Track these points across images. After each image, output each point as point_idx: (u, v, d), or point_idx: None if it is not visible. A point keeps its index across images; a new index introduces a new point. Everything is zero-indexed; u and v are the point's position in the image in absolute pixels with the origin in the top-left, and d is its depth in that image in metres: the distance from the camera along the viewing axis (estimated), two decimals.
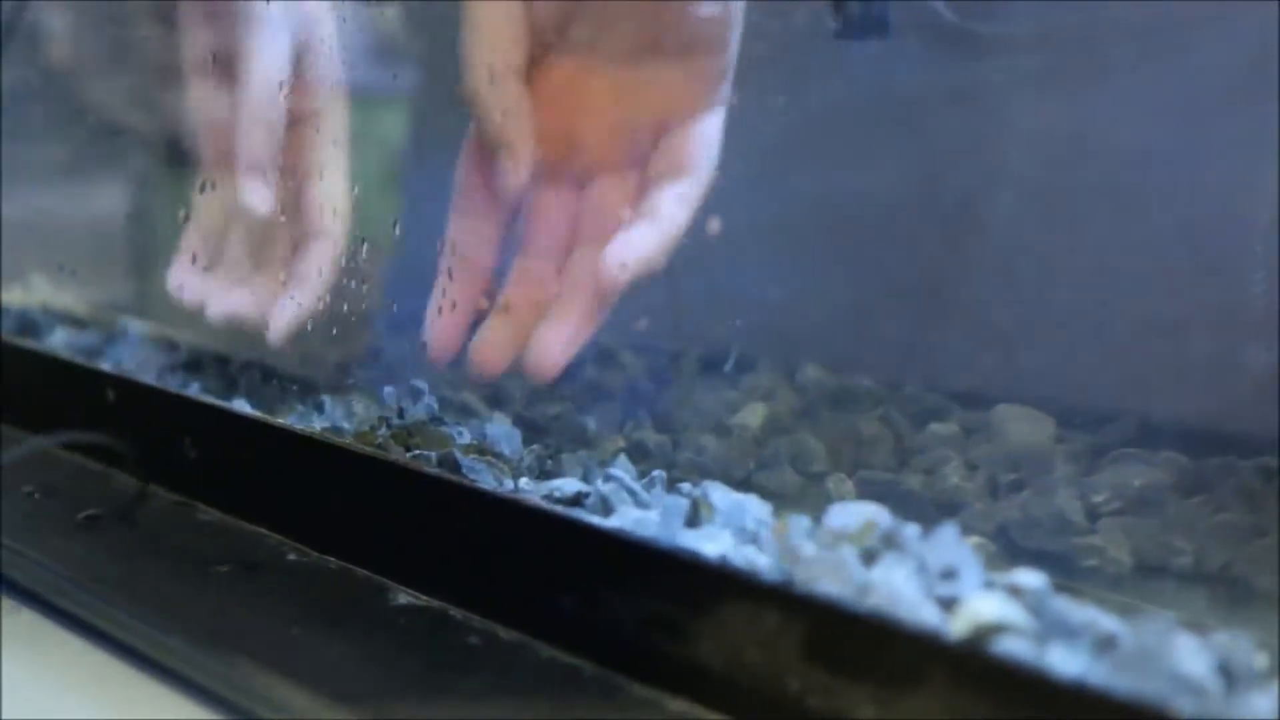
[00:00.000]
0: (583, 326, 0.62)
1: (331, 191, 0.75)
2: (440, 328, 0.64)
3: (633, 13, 0.62)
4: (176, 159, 0.95)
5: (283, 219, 0.75)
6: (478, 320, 0.64)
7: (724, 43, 0.62)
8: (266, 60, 0.74)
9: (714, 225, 0.75)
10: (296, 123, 0.75)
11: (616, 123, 0.63)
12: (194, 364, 0.84)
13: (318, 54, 0.76)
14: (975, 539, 0.59)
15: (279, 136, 0.74)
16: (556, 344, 0.61)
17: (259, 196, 0.73)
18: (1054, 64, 0.75)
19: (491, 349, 0.62)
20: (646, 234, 0.61)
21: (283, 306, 0.73)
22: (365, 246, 0.75)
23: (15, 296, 1.04)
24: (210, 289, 0.76)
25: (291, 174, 0.75)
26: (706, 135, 0.63)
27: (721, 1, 0.61)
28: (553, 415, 0.75)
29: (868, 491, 0.65)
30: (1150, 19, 0.71)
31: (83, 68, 0.98)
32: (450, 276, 0.64)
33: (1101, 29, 0.73)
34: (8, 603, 0.62)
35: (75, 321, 0.98)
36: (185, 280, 0.77)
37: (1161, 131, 0.71)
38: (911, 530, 0.50)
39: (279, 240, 0.77)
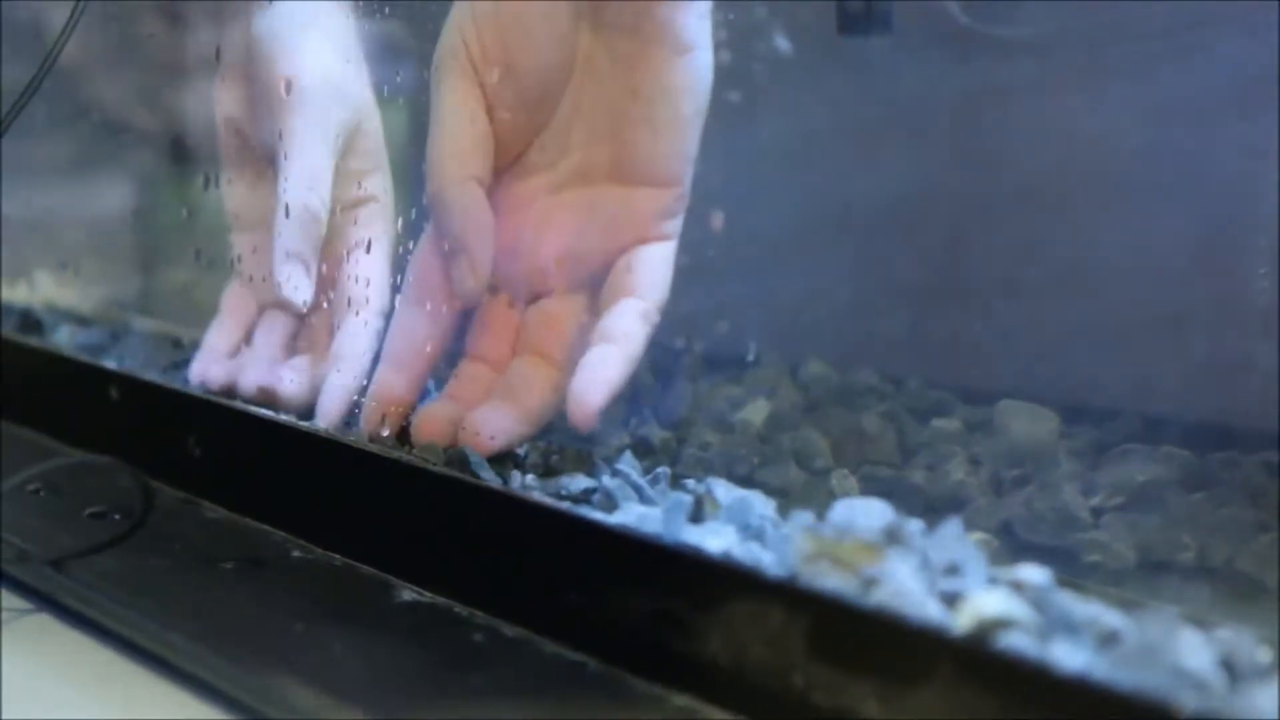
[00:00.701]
0: (517, 424, 0.63)
1: (372, 268, 0.74)
2: (376, 409, 0.65)
3: (592, 140, 0.64)
4: (180, 156, 0.95)
5: (324, 303, 0.75)
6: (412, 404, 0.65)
7: (680, 177, 0.64)
8: (310, 147, 0.73)
9: (717, 222, 0.75)
10: (341, 208, 0.75)
11: (567, 243, 0.65)
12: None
13: (366, 139, 0.76)
14: (979, 535, 0.59)
15: (322, 226, 0.73)
16: (490, 424, 0.62)
17: (298, 290, 0.72)
18: (1063, 66, 0.75)
19: (432, 424, 0.63)
20: (610, 358, 0.61)
21: (332, 389, 0.71)
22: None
23: (19, 294, 1.04)
24: (240, 367, 0.75)
25: (333, 257, 0.75)
26: (659, 263, 0.64)
27: (679, 138, 0.63)
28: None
29: (871, 488, 0.65)
30: (1157, 20, 0.71)
31: (86, 65, 0.98)
32: (389, 364, 0.65)
33: (1111, 30, 0.73)
34: (10, 600, 0.62)
35: (79, 319, 0.98)
36: (210, 368, 0.76)
37: (1166, 131, 0.71)
38: (915, 526, 0.50)
39: (318, 320, 0.76)
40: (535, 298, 0.66)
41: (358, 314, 0.73)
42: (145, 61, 0.98)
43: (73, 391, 0.82)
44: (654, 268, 0.64)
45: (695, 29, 0.62)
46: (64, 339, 0.93)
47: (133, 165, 1.03)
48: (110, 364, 0.82)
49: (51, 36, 0.75)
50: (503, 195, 0.65)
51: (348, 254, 0.75)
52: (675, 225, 0.65)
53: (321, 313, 0.76)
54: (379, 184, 0.76)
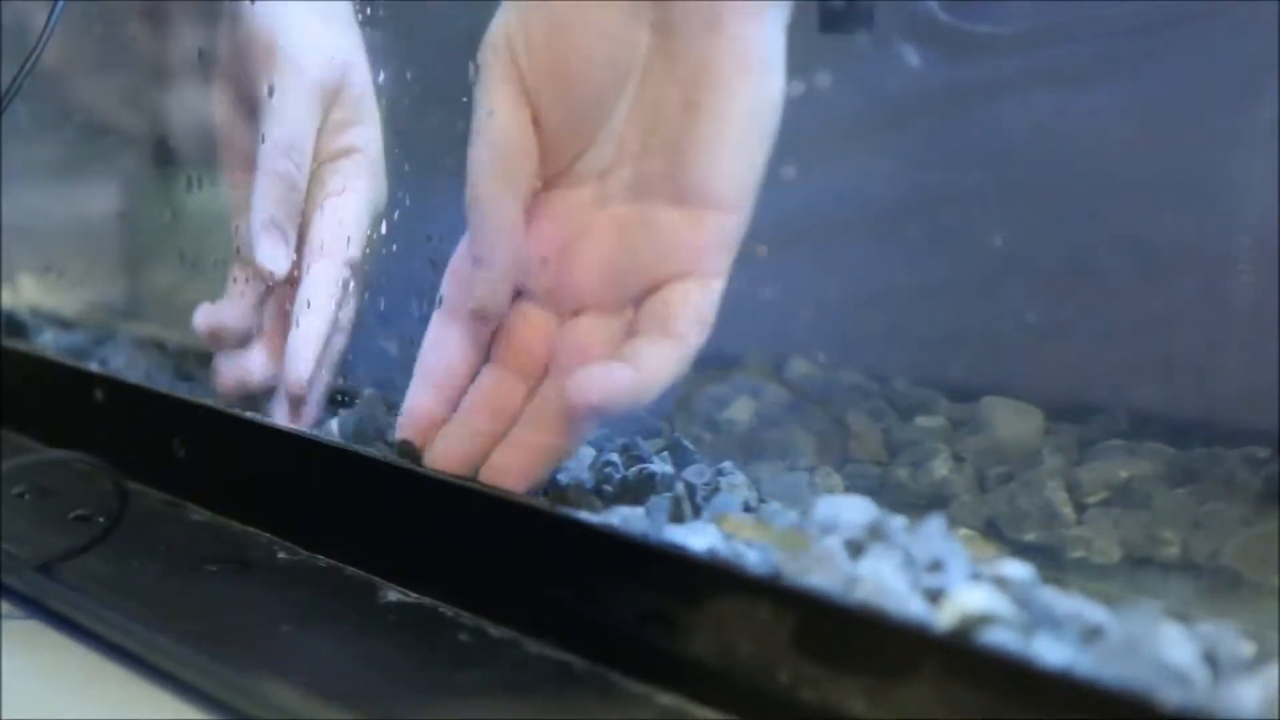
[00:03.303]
0: (543, 456, 0.59)
1: (348, 217, 0.74)
2: (408, 428, 0.62)
3: (645, 152, 0.59)
4: (164, 159, 0.95)
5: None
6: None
7: (737, 205, 0.58)
8: (290, 111, 0.73)
9: None
10: (321, 167, 0.74)
11: (610, 261, 0.60)
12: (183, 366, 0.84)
13: (352, 91, 0.75)
14: (963, 531, 0.60)
15: (300, 195, 0.72)
16: (513, 467, 0.59)
17: (275, 256, 0.72)
18: (1045, 62, 0.75)
19: (446, 454, 0.60)
20: (621, 376, 0.57)
21: (299, 337, 0.71)
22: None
23: (4, 297, 1.04)
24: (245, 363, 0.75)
25: (311, 206, 0.74)
26: (701, 301, 0.58)
27: (739, 163, 0.58)
28: None
29: (856, 485, 0.65)
30: (1138, 17, 0.71)
31: (69, 67, 0.98)
32: (422, 379, 0.62)
33: (1092, 27, 0.73)
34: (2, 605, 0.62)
35: (63, 322, 0.98)
36: (222, 363, 0.76)
37: (1149, 127, 0.72)
38: (898, 523, 0.50)
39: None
40: (574, 313, 0.61)
41: (329, 259, 0.73)
42: (128, 63, 0.98)
43: (57, 394, 0.82)
44: (691, 307, 0.58)
45: (767, 47, 0.56)
46: (48, 342, 0.93)
47: (116, 167, 1.03)
48: (94, 367, 0.82)
49: (36, 39, 0.75)
50: (548, 204, 0.60)
51: (324, 203, 0.74)
52: (727, 260, 0.58)
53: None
54: (363, 135, 0.75)
